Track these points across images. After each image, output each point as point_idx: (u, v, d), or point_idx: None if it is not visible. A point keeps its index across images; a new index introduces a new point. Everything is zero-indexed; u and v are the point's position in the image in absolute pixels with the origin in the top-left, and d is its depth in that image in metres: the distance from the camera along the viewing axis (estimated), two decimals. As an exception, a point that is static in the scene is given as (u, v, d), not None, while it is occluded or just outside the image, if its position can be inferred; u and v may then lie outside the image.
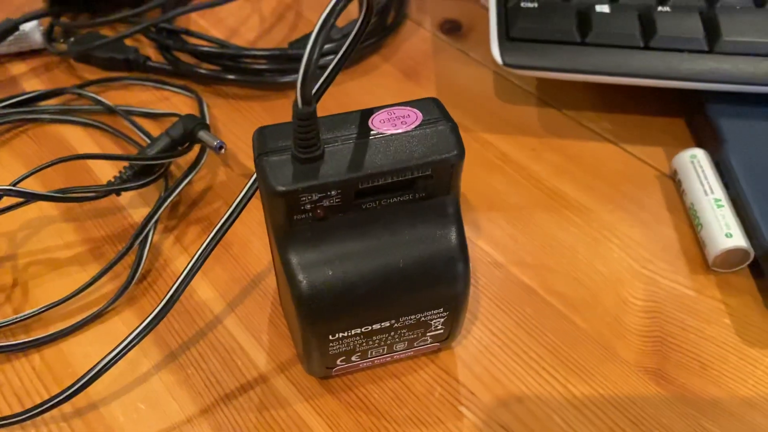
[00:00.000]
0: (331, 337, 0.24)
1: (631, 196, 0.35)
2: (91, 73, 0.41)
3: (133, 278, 0.30)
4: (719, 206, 0.31)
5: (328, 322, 0.23)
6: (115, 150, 0.37)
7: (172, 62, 0.40)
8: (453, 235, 0.23)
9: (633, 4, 0.36)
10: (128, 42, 0.42)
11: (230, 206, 0.25)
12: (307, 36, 0.41)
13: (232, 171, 0.36)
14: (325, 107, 0.39)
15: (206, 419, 0.26)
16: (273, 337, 0.29)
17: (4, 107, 0.38)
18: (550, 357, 0.28)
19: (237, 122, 0.38)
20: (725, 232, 0.30)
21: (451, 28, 0.45)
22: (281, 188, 0.21)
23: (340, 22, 0.42)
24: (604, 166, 0.36)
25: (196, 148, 0.35)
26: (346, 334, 0.24)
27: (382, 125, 0.22)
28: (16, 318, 0.29)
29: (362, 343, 0.25)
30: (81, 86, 0.40)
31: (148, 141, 0.36)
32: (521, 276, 0.31)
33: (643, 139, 0.37)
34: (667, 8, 0.36)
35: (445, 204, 0.24)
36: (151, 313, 0.25)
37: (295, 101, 0.20)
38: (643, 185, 0.35)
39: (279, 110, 0.39)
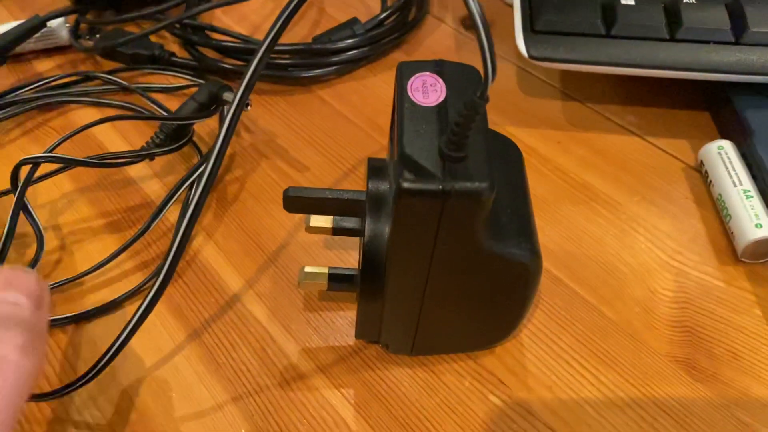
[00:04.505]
0: None
1: (657, 188, 0.34)
2: (116, 69, 0.42)
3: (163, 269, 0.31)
4: (748, 197, 0.31)
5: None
6: (138, 129, 0.38)
7: (197, 58, 0.41)
8: None
9: (658, -4, 0.36)
10: (153, 38, 0.43)
11: (212, 151, 0.25)
12: (330, 31, 0.42)
13: (262, 163, 0.36)
14: (349, 101, 0.39)
15: (237, 406, 0.27)
16: (302, 326, 0.29)
17: (22, 93, 0.39)
18: (580, 347, 0.28)
19: (262, 116, 0.38)
20: (755, 222, 0.30)
21: (473, 24, 0.45)
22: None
23: (363, 18, 0.42)
24: (629, 158, 0.36)
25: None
26: None
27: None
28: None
29: None
30: (88, 74, 0.40)
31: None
32: (550, 267, 0.31)
33: (668, 131, 0.37)
34: (692, 0, 0.36)
35: None
36: (158, 274, 0.25)
37: (483, 91, 0.19)
38: (669, 177, 0.35)
39: (303, 104, 0.39)
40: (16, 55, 0.42)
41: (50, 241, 0.32)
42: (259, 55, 0.24)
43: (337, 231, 0.27)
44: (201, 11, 0.40)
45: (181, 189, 0.33)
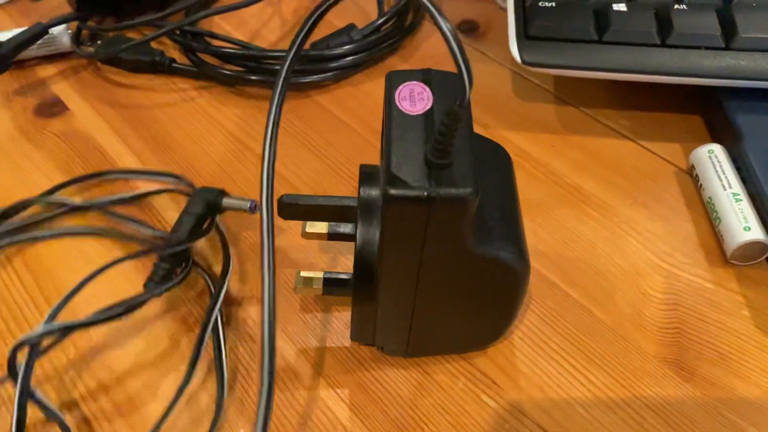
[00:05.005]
0: None
1: (649, 192, 0.35)
2: (117, 75, 0.42)
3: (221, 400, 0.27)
4: (737, 200, 0.32)
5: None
6: (119, 253, 0.33)
7: (197, 63, 0.41)
8: None
9: (650, 2, 0.37)
10: (154, 44, 0.43)
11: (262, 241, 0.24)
12: (328, 37, 0.42)
13: (260, 167, 0.37)
14: (346, 105, 0.40)
15: (235, 407, 0.27)
16: (299, 329, 0.30)
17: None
18: (571, 348, 0.29)
19: (260, 122, 0.39)
20: (743, 225, 0.31)
21: (469, 29, 0.46)
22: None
23: (360, 23, 0.43)
24: (622, 162, 0.37)
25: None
26: None
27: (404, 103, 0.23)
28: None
29: None
30: (48, 193, 0.34)
31: (149, 230, 0.33)
32: (542, 270, 0.32)
33: (661, 135, 0.38)
34: (683, 6, 0.36)
35: None
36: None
37: (461, 100, 0.19)
38: (661, 181, 0.36)
39: (301, 110, 0.40)
40: (19, 61, 0.42)
41: (72, 424, 0.27)
42: (283, 74, 0.25)
43: (332, 236, 0.28)
44: (200, 17, 0.41)
45: (205, 340, 0.28)
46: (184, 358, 0.29)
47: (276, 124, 0.24)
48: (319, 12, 0.23)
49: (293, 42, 0.24)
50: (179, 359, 0.29)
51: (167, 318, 0.30)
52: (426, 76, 0.24)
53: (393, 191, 0.21)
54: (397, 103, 0.23)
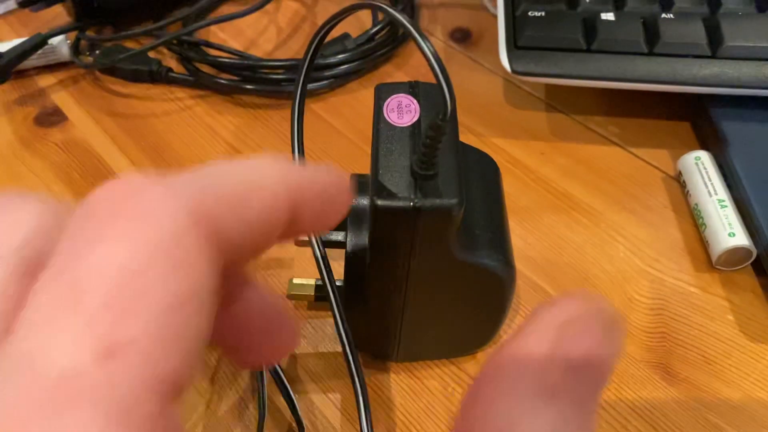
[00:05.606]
0: None
1: (637, 198, 0.36)
2: (115, 85, 0.43)
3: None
4: (723, 207, 0.32)
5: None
6: None
7: (193, 73, 0.42)
8: None
9: (637, 11, 0.37)
10: (151, 54, 0.44)
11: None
12: (323, 46, 0.43)
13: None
14: (340, 113, 0.41)
15: (230, 411, 0.28)
16: (293, 335, 0.30)
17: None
18: (559, 352, 0.29)
19: (256, 131, 0.40)
20: (728, 231, 0.31)
21: (462, 37, 0.46)
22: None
23: (354, 32, 0.43)
24: (611, 168, 0.37)
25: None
26: None
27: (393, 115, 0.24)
28: None
29: None
30: None
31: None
32: (531, 275, 0.32)
33: (649, 141, 0.39)
34: (670, 15, 0.37)
35: None
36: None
37: (443, 114, 0.19)
38: (649, 187, 0.36)
39: (296, 118, 0.40)
40: (19, 71, 0.43)
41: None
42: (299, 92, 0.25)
43: (325, 244, 0.29)
44: (197, 28, 0.41)
45: (265, 392, 0.27)
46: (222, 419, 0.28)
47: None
48: (327, 27, 0.24)
49: (301, 67, 0.25)
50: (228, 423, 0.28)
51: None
52: (413, 89, 0.25)
53: (380, 202, 0.21)
54: (385, 115, 0.24)
